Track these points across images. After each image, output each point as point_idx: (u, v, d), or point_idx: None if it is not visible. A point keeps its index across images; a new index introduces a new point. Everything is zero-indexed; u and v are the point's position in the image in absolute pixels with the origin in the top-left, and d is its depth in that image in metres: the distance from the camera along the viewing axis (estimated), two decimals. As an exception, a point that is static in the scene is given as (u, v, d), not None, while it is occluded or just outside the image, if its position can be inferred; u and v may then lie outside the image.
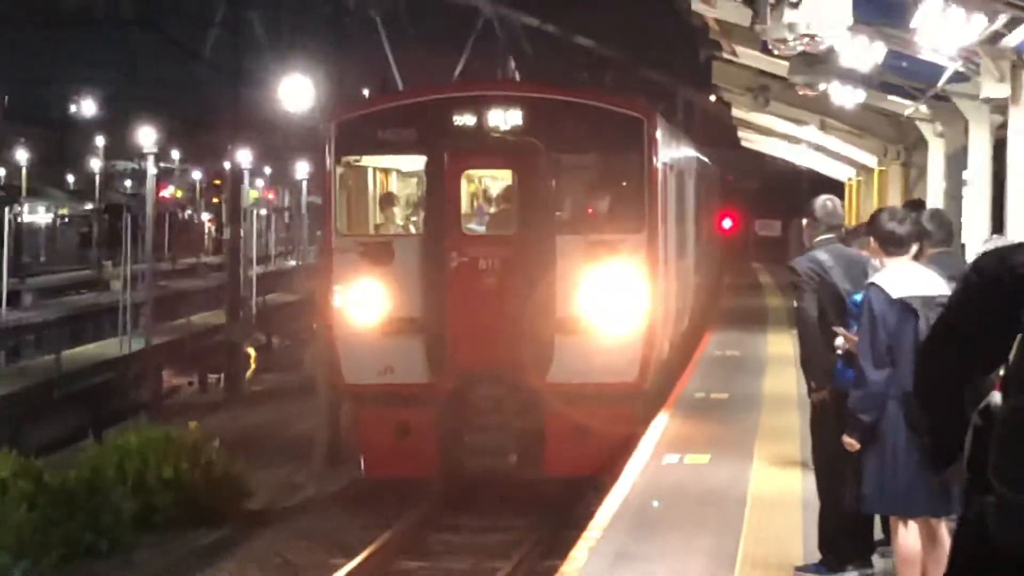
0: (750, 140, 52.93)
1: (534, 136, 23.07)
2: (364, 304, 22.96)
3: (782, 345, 29.15)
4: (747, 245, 65.96)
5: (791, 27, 17.87)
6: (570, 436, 22.51)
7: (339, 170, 23.97)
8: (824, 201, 14.10)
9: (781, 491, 16.84)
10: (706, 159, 40.84)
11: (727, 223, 55.54)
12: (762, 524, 15.44)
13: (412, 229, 24.78)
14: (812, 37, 18.28)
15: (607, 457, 21.22)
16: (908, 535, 11.58)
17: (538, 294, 22.62)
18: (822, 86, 25.65)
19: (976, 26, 16.74)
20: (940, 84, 22.85)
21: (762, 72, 30.75)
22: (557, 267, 22.75)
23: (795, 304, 13.63)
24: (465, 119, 23.23)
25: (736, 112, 43.28)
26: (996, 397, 5.81)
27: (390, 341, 22.93)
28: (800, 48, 19.10)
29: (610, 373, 22.66)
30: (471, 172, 25.73)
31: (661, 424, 22.24)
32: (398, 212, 25.09)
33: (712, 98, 48.67)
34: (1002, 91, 18.89)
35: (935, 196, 27.07)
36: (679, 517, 15.89)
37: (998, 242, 13.30)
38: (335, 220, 23.73)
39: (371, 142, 23.86)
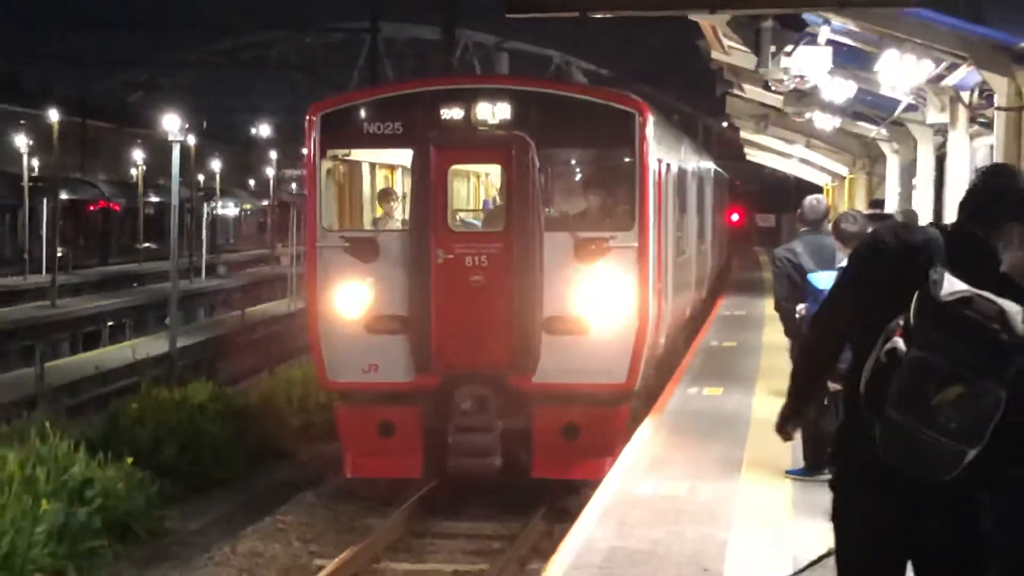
0: (753, 154, 52.64)
1: (523, 130, 16.79)
2: (348, 301, 17.00)
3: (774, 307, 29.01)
4: (750, 233, 65.54)
5: (786, 71, 17.79)
6: (557, 438, 16.65)
7: (324, 164, 17.51)
8: (811, 200, 14.11)
9: (775, 414, 16.80)
10: (720, 169, 40.59)
11: (735, 216, 55.23)
12: (761, 438, 15.39)
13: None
14: (801, 78, 18.21)
15: (596, 461, 15.98)
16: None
17: (525, 292, 16.61)
18: (808, 114, 25.57)
19: (924, 70, 16.63)
20: (896, 113, 22.70)
21: (763, 104, 30.55)
22: (545, 265, 16.66)
23: (774, 283, 13.84)
24: (453, 112, 16.99)
25: (743, 134, 43.10)
26: (900, 343, 5.72)
27: (375, 339, 16.91)
28: (792, 86, 19.03)
29: (598, 374, 16.62)
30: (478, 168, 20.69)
31: (686, 365, 22.19)
32: (396, 207, 18.54)
33: (725, 124, 48.46)
34: (943, 119, 18.78)
35: (891, 197, 26.87)
36: (700, 433, 15.86)
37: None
38: (320, 215, 17.30)
39: (357, 135, 17.53)
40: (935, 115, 19.15)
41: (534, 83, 17.55)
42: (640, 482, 13.22)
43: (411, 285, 16.79)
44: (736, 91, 30.16)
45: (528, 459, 16.75)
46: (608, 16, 8.96)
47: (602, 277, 16.64)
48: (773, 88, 20.83)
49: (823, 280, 11.70)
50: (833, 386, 12.02)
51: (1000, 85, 14.09)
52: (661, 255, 18.07)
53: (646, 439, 15.61)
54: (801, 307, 12.53)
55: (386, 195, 18.83)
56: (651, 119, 17.12)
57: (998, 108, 14.35)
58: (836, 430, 6.29)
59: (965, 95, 17.39)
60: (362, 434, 17.06)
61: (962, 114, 17.76)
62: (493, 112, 16.94)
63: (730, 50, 22.86)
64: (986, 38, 13.87)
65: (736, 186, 56.55)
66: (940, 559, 5.90)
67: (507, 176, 17.12)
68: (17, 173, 58.70)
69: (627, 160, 17.07)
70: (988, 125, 16.36)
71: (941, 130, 19.75)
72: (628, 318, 16.70)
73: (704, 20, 19.86)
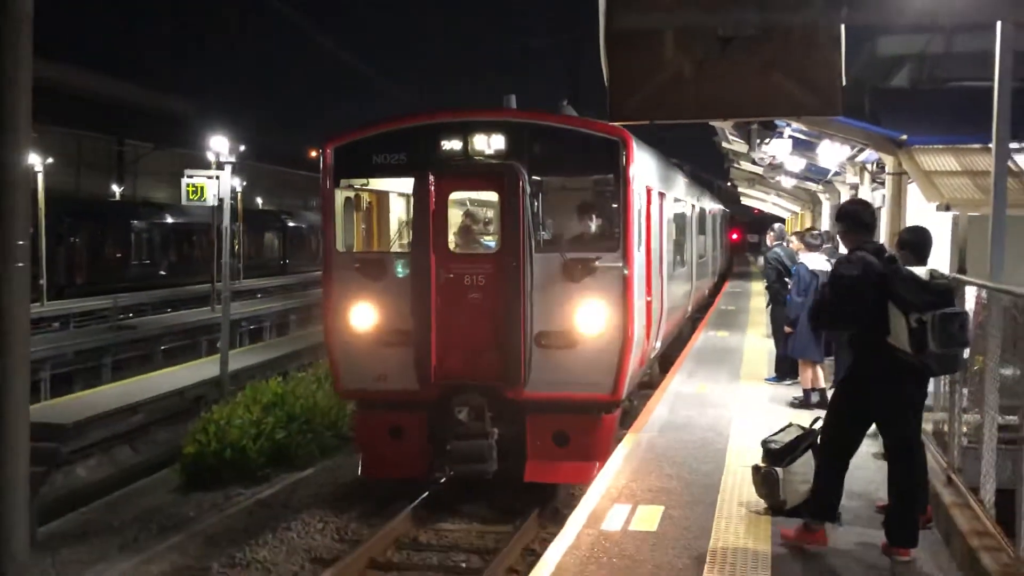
0: (745, 200, 51.81)
1: (517, 159, 10.83)
2: (359, 316, 11.22)
3: (759, 286, 28.68)
4: (744, 246, 64.51)
5: (764, 152, 17.66)
6: (547, 446, 10.81)
7: (338, 192, 11.53)
8: (779, 226, 14.08)
9: (759, 346, 16.67)
10: (726, 208, 39.92)
11: (735, 236, 54.47)
12: (751, 360, 15.33)
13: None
14: (773, 157, 18.06)
15: (584, 465, 10.56)
16: (807, 368, 11.56)
17: (517, 310, 10.68)
18: (777, 178, 25.17)
19: (845, 151, 16.38)
20: (828, 177, 22.22)
21: (751, 172, 30.09)
22: (536, 284, 10.69)
23: (764, 272, 13.72)
24: (452, 143, 11.07)
25: (740, 188, 42.46)
26: (921, 315, 6.01)
27: (384, 350, 11.15)
28: (768, 162, 18.84)
29: (586, 386, 10.65)
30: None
31: (707, 319, 22.02)
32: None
33: (729, 183, 47.80)
34: (856, 180, 18.39)
35: (825, 225, 26.31)
36: (714, 358, 15.75)
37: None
38: (335, 239, 11.31)
39: (366, 165, 11.42)
40: (851, 178, 18.77)
41: (526, 115, 11.34)
42: (682, 386, 13.23)
43: (414, 302, 10.95)
44: (736, 165, 29.82)
45: (521, 465, 10.84)
46: (665, 121, 8.93)
47: (589, 295, 10.70)
48: (758, 163, 20.62)
49: (801, 270, 11.72)
50: (787, 329, 11.98)
51: (889, 160, 13.84)
52: (650, 272, 12.04)
53: (684, 359, 15.61)
54: (789, 284, 12.41)
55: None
56: (635, 148, 11.01)
57: (888, 173, 14.11)
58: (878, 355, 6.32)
59: (869, 166, 17.04)
60: (375, 437, 11.30)
61: (867, 177, 17.38)
62: (488, 143, 11.07)
63: (732, 140, 22.66)
64: (881, 133, 13.64)
65: (735, 219, 55.63)
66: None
67: (501, 202, 11.08)
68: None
69: (612, 185, 10.99)
70: (882, 184, 16.00)
71: (855, 186, 19.30)
72: (614, 333, 10.66)
73: (718, 124, 19.75)
